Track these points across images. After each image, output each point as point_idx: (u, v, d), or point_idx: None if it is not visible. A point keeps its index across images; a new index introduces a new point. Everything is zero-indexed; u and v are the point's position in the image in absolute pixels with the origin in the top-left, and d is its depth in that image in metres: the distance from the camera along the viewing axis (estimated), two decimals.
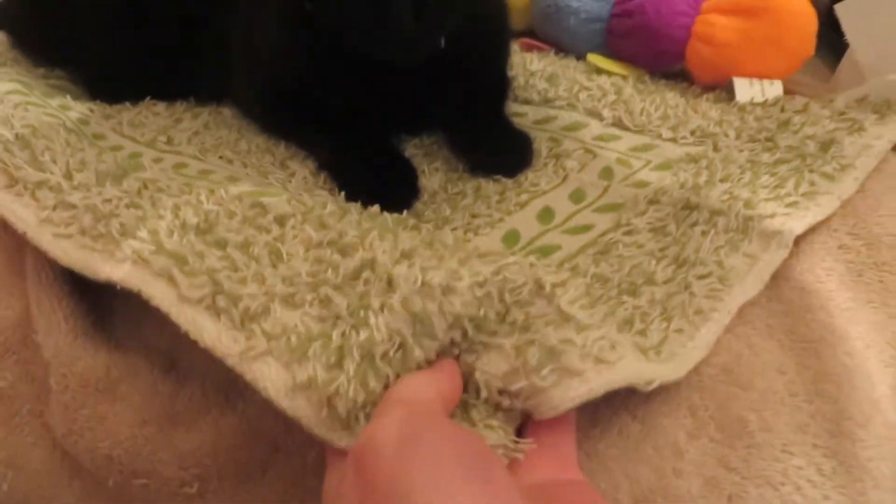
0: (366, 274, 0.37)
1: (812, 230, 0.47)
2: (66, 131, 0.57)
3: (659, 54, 0.67)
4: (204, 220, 0.42)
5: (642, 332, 0.41)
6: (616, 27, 0.70)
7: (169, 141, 0.61)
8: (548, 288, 0.37)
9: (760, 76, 0.62)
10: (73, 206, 0.44)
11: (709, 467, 0.36)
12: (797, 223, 0.46)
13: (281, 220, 0.42)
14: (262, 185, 0.52)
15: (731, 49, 0.63)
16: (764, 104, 0.60)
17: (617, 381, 0.34)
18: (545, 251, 0.50)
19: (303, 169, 0.59)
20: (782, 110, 0.59)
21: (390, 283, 0.36)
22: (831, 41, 0.66)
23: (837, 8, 0.59)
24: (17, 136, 0.52)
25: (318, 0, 0.52)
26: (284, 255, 0.39)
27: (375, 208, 0.50)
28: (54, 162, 0.48)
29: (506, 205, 0.54)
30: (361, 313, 0.35)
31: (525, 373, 0.33)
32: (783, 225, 0.46)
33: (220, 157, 0.59)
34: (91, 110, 0.68)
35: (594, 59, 0.70)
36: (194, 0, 0.65)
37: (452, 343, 0.35)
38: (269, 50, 0.60)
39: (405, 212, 0.53)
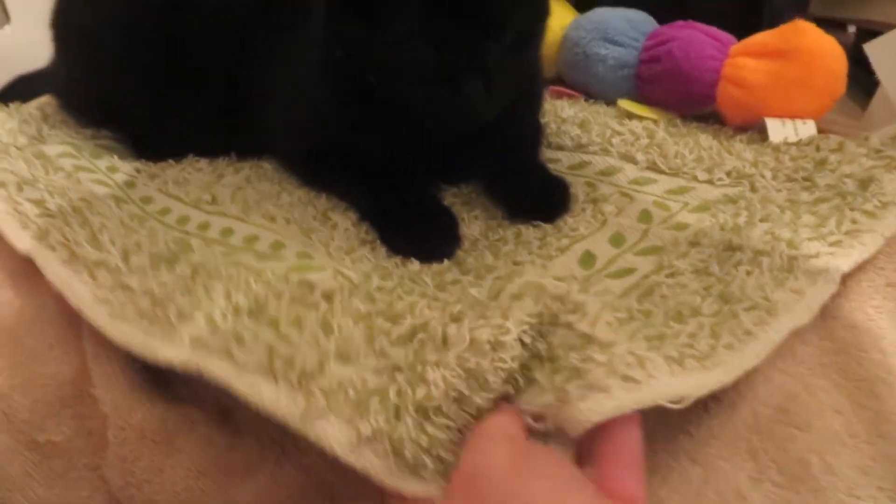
0: (420, 335, 0.38)
1: (858, 268, 0.47)
2: (117, 202, 0.59)
3: (689, 97, 0.68)
4: (254, 302, 0.43)
5: (690, 345, 0.41)
6: (645, 72, 0.72)
7: (213, 200, 0.63)
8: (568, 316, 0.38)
9: (792, 116, 0.63)
10: (131, 289, 0.45)
11: None
12: (843, 261, 0.46)
13: (328, 296, 0.43)
14: (306, 248, 0.53)
15: (761, 90, 0.64)
16: (798, 144, 0.61)
17: (647, 398, 0.35)
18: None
19: (344, 220, 0.60)
20: (818, 149, 0.59)
21: (444, 341, 0.37)
22: (861, 79, 0.67)
23: (867, 47, 0.60)
24: (74, 208, 0.54)
25: (384, 76, 0.53)
26: (335, 327, 0.40)
27: (416, 266, 0.52)
28: (112, 242, 0.50)
29: (547, 250, 0.55)
30: (419, 368, 0.36)
31: (552, 389, 0.35)
32: (828, 263, 0.46)
33: (263, 215, 0.60)
34: (137, 171, 0.70)
35: (625, 104, 0.71)
36: (236, 59, 0.67)
37: None
38: (312, 107, 0.62)
39: (446, 260, 0.54)
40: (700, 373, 0.38)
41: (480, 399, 0.35)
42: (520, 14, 0.53)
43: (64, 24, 0.73)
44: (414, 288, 0.50)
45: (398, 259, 0.55)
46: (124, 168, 0.70)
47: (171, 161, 0.72)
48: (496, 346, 0.36)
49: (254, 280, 0.45)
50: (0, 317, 0.49)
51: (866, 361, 0.42)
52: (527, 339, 0.37)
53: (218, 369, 0.38)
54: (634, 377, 0.35)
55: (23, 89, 0.88)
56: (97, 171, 0.68)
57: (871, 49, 0.60)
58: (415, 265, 0.54)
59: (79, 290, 0.47)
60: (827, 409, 0.40)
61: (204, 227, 0.59)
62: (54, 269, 0.48)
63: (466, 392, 0.35)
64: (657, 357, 0.38)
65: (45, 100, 0.83)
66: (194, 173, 0.69)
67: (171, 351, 0.40)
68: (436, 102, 0.52)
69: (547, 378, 0.36)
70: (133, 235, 0.52)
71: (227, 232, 0.57)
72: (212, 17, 0.67)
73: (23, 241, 0.51)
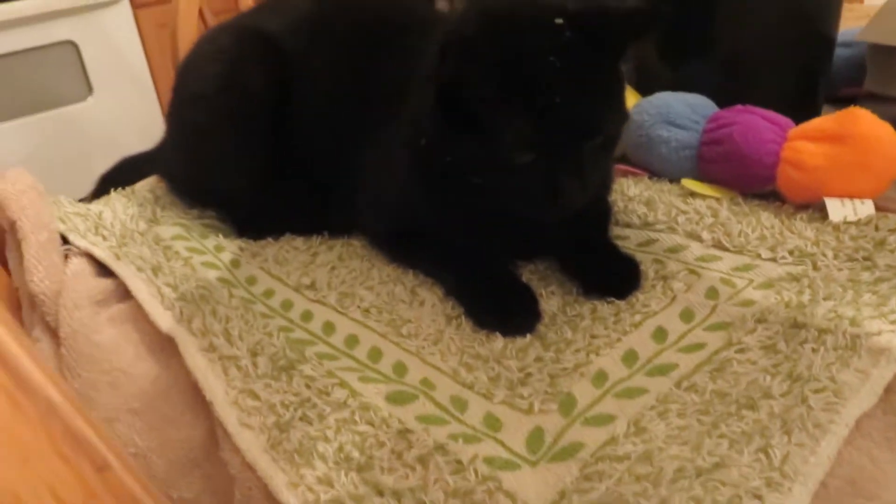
0: None
1: None
2: (229, 288, 0.67)
3: (750, 179, 0.73)
4: (361, 452, 0.49)
5: (764, 450, 0.45)
6: (706, 154, 0.76)
7: (312, 285, 0.69)
8: None
9: (851, 196, 0.67)
10: (257, 398, 0.53)
11: None
12: None
13: (423, 461, 0.48)
14: (399, 355, 0.59)
15: (820, 173, 0.68)
16: (858, 223, 0.65)
17: None
18: (663, 370, 0.54)
19: (431, 296, 0.66)
20: (876, 229, 0.63)
21: None
22: None
23: None
24: (201, 297, 0.62)
25: (487, 177, 0.59)
26: None
27: (500, 344, 0.57)
28: (241, 339, 0.58)
29: (622, 325, 0.59)
30: None
31: None
32: (890, 342, 0.50)
33: (359, 306, 0.65)
34: (241, 249, 0.77)
35: (689, 183, 0.76)
36: (333, 149, 0.74)
37: None
38: (404, 192, 0.68)
39: (528, 335, 0.59)
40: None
41: None
42: (610, 121, 0.59)
43: (178, 118, 0.82)
44: (500, 374, 0.55)
45: (483, 336, 0.60)
46: (230, 247, 0.78)
47: (269, 240, 0.79)
48: None
49: (359, 416, 0.51)
50: (141, 386, 0.56)
51: None
52: None
53: None
54: None
55: (127, 171, 0.98)
56: (207, 251, 0.76)
57: None
58: (499, 342, 0.59)
59: (213, 385, 0.54)
60: (892, 481, 0.43)
61: (307, 317, 0.65)
62: (193, 356, 0.56)
63: None
64: None
65: (153, 181, 0.92)
66: (292, 251, 0.77)
67: (290, 496, 0.46)
68: (538, 201, 0.58)
69: None
70: (255, 332, 0.59)
71: (329, 329, 0.64)
72: (314, 114, 0.75)
73: (165, 321, 0.58)
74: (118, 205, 0.80)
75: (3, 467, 0.17)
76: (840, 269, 0.60)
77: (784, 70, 0.87)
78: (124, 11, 2.52)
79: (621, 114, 0.61)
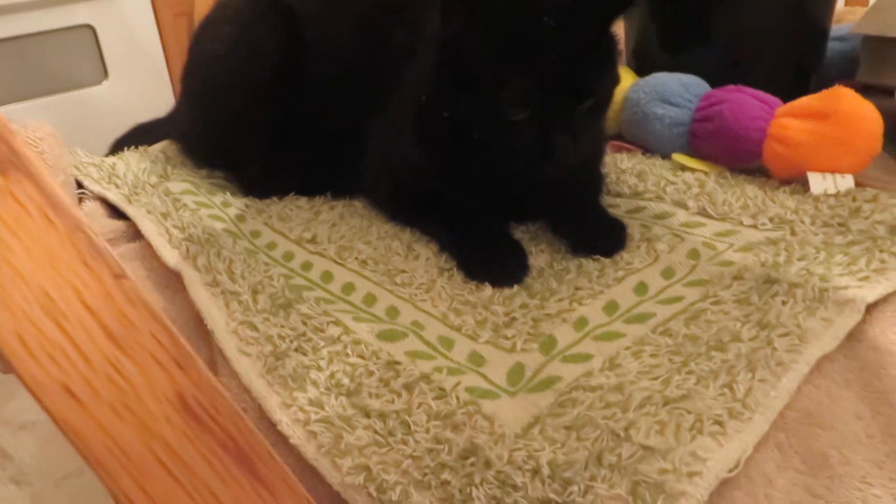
0: (471, 459, 0.45)
1: (884, 300, 0.53)
2: (233, 238, 0.70)
3: (738, 153, 0.75)
4: (351, 379, 0.52)
5: (728, 385, 0.47)
6: (698, 130, 0.79)
7: (313, 239, 0.72)
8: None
9: (833, 171, 0.70)
10: (256, 329, 0.56)
11: (796, 494, 0.42)
12: (869, 292, 0.52)
13: (409, 388, 0.51)
14: (393, 300, 0.62)
15: (804, 148, 0.70)
16: (837, 195, 0.67)
17: (712, 483, 0.41)
18: (641, 318, 0.57)
19: (426, 251, 0.69)
20: (854, 199, 0.66)
21: (487, 464, 0.44)
22: None
23: None
24: (207, 240, 0.65)
25: (486, 133, 0.62)
26: (412, 427, 0.47)
27: (489, 292, 0.61)
28: (243, 277, 0.61)
29: (605, 279, 0.62)
30: (468, 489, 0.43)
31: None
32: (856, 294, 0.52)
33: (357, 258, 0.69)
34: (247, 206, 0.81)
35: (679, 157, 0.79)
36: (340, 113, 0.78)
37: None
38: (407, 152, 0.71)
39: (516, 286, 0.62)
40: (741, 433, 0.44)
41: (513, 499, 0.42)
42: (601, 83, 0.62)
43: (192, 78, 0.86)
44: (487, 318, 0.58)
45: (473, 285, 0.63)
46: (236, 204, 0.81)
47: (275, 199, 0.83)
48: (528, 458, 0.44)
49: (351, 349, 0.55)
50: None
51: (885, 377, 0.47)
52: (561, 458, 0.44)
53: (326, 472, 0.46)
54: (697, 471, 0.41)
55: (140, 136, 1.01)
56: (214, 206, 0.79)
57: None
58: (487, 291, 0.62)
59: (215, 315, 0.57)
60: (848, 414, 0.46)
61: (307, 266, 0.68)
62: (197, 289, 0.59)
63: (506, 498, 0.42)
64: (706, 440, 0.43)
65: (165, 144, 0.95)
66: (295, 210, 0.80)
67: (283, 416, 0.49)
68: (531, 156, 0.61)
69: (630, 491, 0.41)
70: (256, 274, 0.62)
71: (328, 277, 0.67)
72: (323, 78, 0.79)
73: (172, 258, 0.61)
74: (131, 159, 0.84)
75: (36, 271, 0.20)
76: (816, 234, 0.62)
77: (778, 59, 0.89)
78: None
79: (613, 78, 0.64)
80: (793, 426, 0.45)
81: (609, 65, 0.63)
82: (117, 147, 1.02)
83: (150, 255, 0.64)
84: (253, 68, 0.78)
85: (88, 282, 0.20)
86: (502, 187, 0.69)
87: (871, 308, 0.52)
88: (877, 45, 0.89)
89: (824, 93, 0.72)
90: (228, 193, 0.83)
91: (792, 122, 0.72)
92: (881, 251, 0.57)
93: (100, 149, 1.07)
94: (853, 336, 0.51)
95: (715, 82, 0.84)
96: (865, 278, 0.55)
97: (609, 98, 0.65)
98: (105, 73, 2.53)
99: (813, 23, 0.90)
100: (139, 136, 1.02)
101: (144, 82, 2.72)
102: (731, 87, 0.79)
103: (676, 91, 0.82)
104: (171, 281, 0.62)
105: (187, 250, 0.63)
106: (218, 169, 0.87)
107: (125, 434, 0.23)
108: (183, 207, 0.75)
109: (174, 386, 0.25)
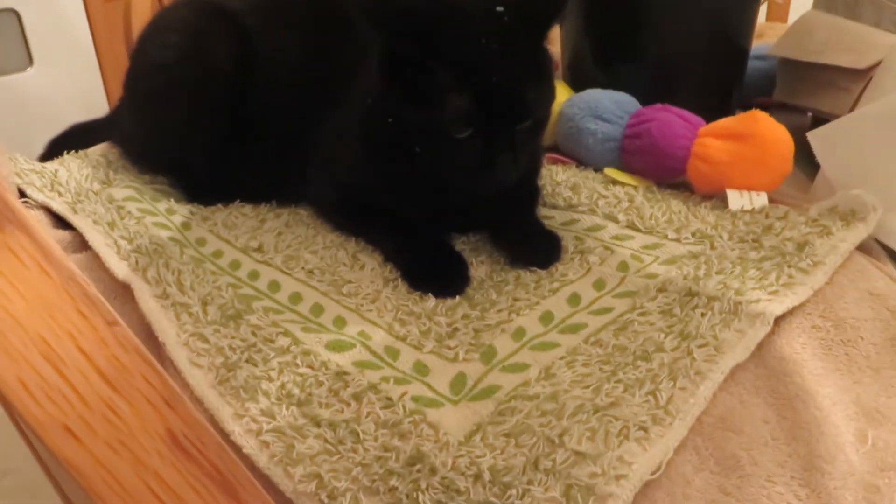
0: (417, 466, 0.47)
1: (790, 313, 0.59)
2: (180, 247, 0.71)
3: (664, 170, 0.81)
4: (301, 390, 0.54)
5: (653, 393, 0.52)
6: (628, 146, 0.84)
7: (259, 248, 0.74)
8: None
9: (749, 189, 0.75)
10: (207, 341, 0.58)
11: (711, 493, 0.47)
12: (777, 306, 0.58)
13: (357, 397, 0.53)
14: (340, 311, 0.64)
15: (724, 167, 0.76)
16: (752, 212, 0.73)
17: (637, 485, 0.45)
18: (574, 328, 0.61)
19: (371, 261, 0.71)
20: (766, 217, 0.71)
21: (433, 471, 0.47)
22: (812, 155, 0.79)
23: (809, 136, 0.73)
24: (154, 251, 0.66)
25: (429, 149, 0.65)
26: (361, 435, 0.50)
27: (432, 303, 0.64)
28: (192, 289, 0.62)
29: (541, 290, 0.66)
30: (415, 495, 0.46)
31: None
32: (766, 308, 0.58)
33: (304, 268, 0.70)
34: (191, 213, 0.82)
35: (610, 172, 0.84)
36: (286, 120, 0.79)
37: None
38: (352, 163, 0.74)
39: (457, 297, 0.66)
40: (663, 438, 0.48)
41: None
42: (540, 103, 0.66)
43: (136, 86, 0.86)
44: (430, 328, 0.62)
45: (417, 295, 0.66)
46: (181, 211, 0.82)
47: (220, 206, 0.84)
48: (470, 464, 0.47)
49: (301, 360, 0.57)
50: None
51: (790, 384, 0.53)
52: (501, 463, 0.47)
53: (278, 480, 0.48)
54: (624, 474, 0.45)
55: (78, 137, 1.00)
56: (158, 213, 0.80)
57: (814, 137, 0.73)
58: (431, 302, 0.65)
59: (166, 327, 0.58)
60: (757, 419, 0.51)
61: (254, 276, 0.70)
62: (147, 301, 0.60)
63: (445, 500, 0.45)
64: (632, 445, 0.47)
65: (105, 147, 0.95)
66: (241, 217, 0.81)
67: (235, 426, 0.51)
68: (473, 173, 0.65)
69: (563, 494, 0.44)
70: (205, 285, 0.64)
71: (275, 286, 0.68)
72: (269, 89, 0.80)
73: (121, 270, 0.62)
74: (73, 165, 0.83)
75: (34, 319, 0.21)
76: (732, 249, 0.68)
77: (703, 78, 0.95)
78: None
79: (550, 95, 0.68)
80: (708, 430, 0.50)
81: (547, 83, 0.67)
82: (53, 148, 1.00)
83: (97, 265, 0.64)
84: (202, 78, 0.79)
85: (83, 329, 0.22)
86: (444, 199, 0.72)
87: (778, 320, 0.57)
88: (792, 67, 0.96)
89: (742, 116, 0.78)
90: (172, 200, 0.84)
91: (713, 142, 0.77)
92: (789, 266, 0.63)
93: (25, 138, 1.04)
94: (762, 346, 0.56)
95: (646, 98, 0.89)
96: (775, 292, 0.60)
97: (547, 115, 0.69)
98: (30, 60, 2.44)
99: (735, 43, 0.96)
100: (76, 137, 1.01)
101: (72, 70, 2.64)
102: (659, 105, 0.84)
103: (608, 108, 0.87)
104: (120, 292, 0.62)
105: (136, 262, 0.64)
106: (161, 174, 0.88)
107: (121, 468, 0.25)
108: (128, 215, 0.76)
109: (164, 423, 0.27)
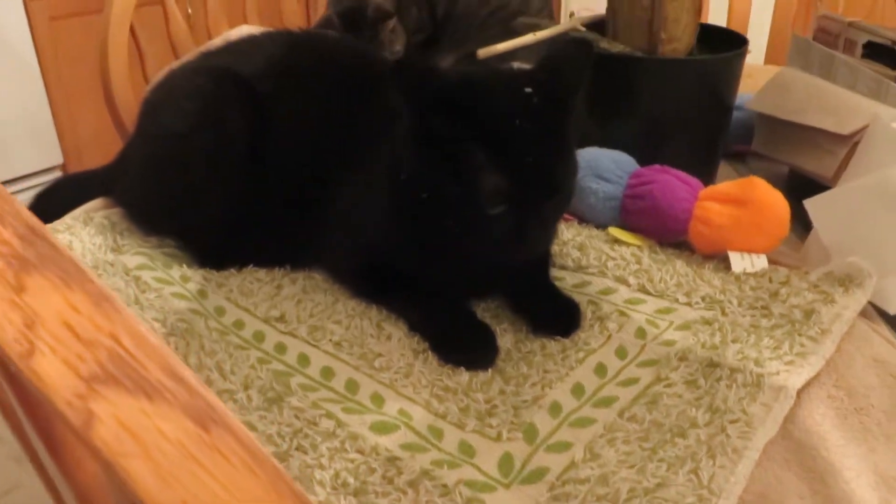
0: None
1: (806, 383, 0.63)
2: (204, 320, 0.71)
3: (667, 230, 0.85)
4: (355, 478, 0.55)
5: (694, 471, 0.55)
6: (629, 206, 0.88)
7: (282, 317, 0.75)
8: None
9: (749, 251, 0.80)
10: (255, 429, 0.59)
11: None
12: (797, 379, 0.62)
13: (413, 485, 0.55)
14: (375, 387, 0.66)
15: (724, 230, 0.80)
16: (755, 275, 0.77)
17: None
18: (607, 402, 0.64)
19: (397, 331, 0.73)
20: (770, 281, 0.76)
21: None
22: (796, 210, 0.84)
23: (806, 203, 0.78)
24: (186, 330, 0.66)
25: (462, 221, 0.67)
26: None
27: (466, 377, 0.66)
28: (233, 373, 0.63)
29: (568, 361, 0.69)
30: None
31: None
32: (786, 381, 0.62)
33: (331, 339, 0.72)
34: (206, 279, 0.82)
35: (614, 231, 0.87)
36: (305, 184, 0.80)
37: None
38: (375, 232, 0.75)
39: (490, 370, 0.68)
40: None
41: None
42: (568, 181, 0.70)
43: (148, 152, 0.85)
44: (469, 405, 0.64)
45: (449, 369, 0.68)
46: (195, 277, 0.82)
47: (232, 270, 0.84)
48: None
49: (350, 445, 0.58)
50: None
51: (817, 458, 0.57)
52: None
53: None
54: None
55: (69, 191, 0.99)
56: (174, 282, 0.80)
57: (810, 204, 0.78)
58: (465, 375, 0.67)
59: None
60: (793, 494, 0.55)
61: (280, 349, 0.71)
62: None
63: None
64: None
65: (101, 204, 0.93)
66: (256, 283, 0.81)
67: None
68: (505, 246, 0.67)
69: None
70: (243, 367, 0.64)
71: (304, 360, 0.69)
72: (283, 155, 0.81)
73: None
74: (83, 233, 0.82)
75: None
76: (744, 316, 0.72)
77: (692, 131, 1.00)
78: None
79: (575, 171, 0.71)
80: None
81: (573, 159, 0.70)
82: (41, 202, 0.98)
83: None
84: (218, 146, 0.79)
85: None
86: (465, 268, 0.74)
87: (797, 391, 0.62)
88: (771, 123, 1.02)
89: (741, 182, 0.82)
90: (185, 265, 0.83)
91: (714, 205, 0.82)
92: (800, 335, 0.68)
93: None
94: (787, 418, 0.60)
95: (639, 152, 0.93)
96: (791, 363, 0.64)
97: (573, 189, 0.72)
98: None
99: (721, 100, 1.01)
100: (68, 191, 1.00)
101: (14, 88, 2.57)
102: (658, 167, 0.88)
103: (609, 167, 0.90)
104: None
105: (175, 347, 0.64)
106: (171, 238, 0.87)
107: None
108: (147, 288, 0.75)
109: None
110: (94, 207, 0.93)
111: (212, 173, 0.80)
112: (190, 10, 1.58)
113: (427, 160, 0.67)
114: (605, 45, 0.97)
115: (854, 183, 0.75)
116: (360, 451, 0.58)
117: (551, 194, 0.67)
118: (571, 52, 0.71)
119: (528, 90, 0.67)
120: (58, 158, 2.62)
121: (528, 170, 0.65)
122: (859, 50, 0.98)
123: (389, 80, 0.65)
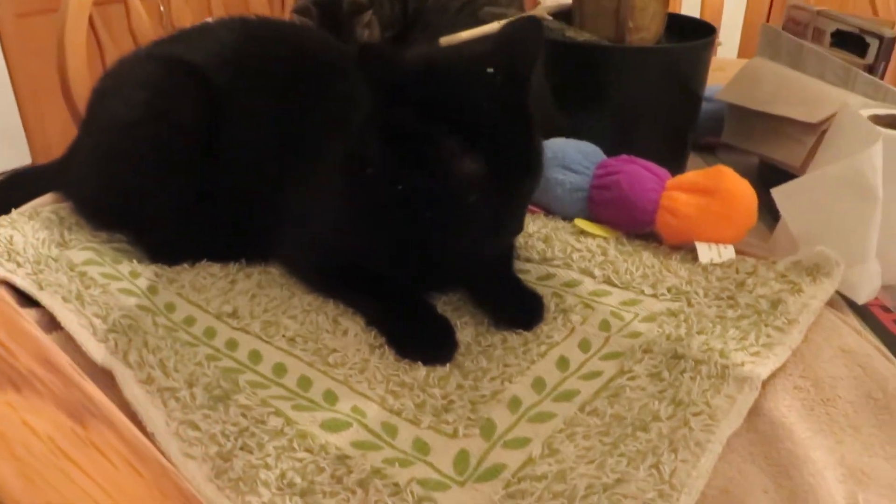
0: None
1: (773, 374, 0.61)
2: (152, 316, 0.68)
3: (634, 221, 0.83)
4: (302, 478, 0.52)
5: (656, 466, 0.53)
6: (596, 197, 0.86)
7: (234, 313, 0.72)
8: None
9: (716, 241, 0.78)
10: (198, 428, 0.56)
11: None
12: (762, 369, 0.60)
13: (363, 484, 0.52)
14: (328, 383, 0.63)
15: (691, 221, 0.78)
16: (722, 265, 0.76)
17: None
18: (568, 396, 0.62)
19: (354, 326, 0.70)
20: (737, 272, 0.74)
21: None
22: (765, 200, 0.82)
23: (773, 192, 0.76)
24: (129, 326, 0.63)
25: (433, 213, 0.65)
26: None
27: (423, 372, 0.63)
28: (176, 370, 0.60)
29: (530, 355, 0.67)
30: None
31: None
32: (752, 371, 0.60)
33: (284, 335, 0.69)
34: (157, 275, 0.78)
35: (580, 223, 0.85)
36: (260, 177, 0.77)
37: None
38: (333, 227, 0.72)
39: (448, 365, 0.65)
40: None
41: None
42: (539, 161, 0.68)
43: (96, 143, 0.82)
44: (425, 401, 0.61)
45: (406, 364, 0.66)
46: (145, 273, 0.79)
47: (185, 265, 0.81)
48: None
49: (298, 444, 0.55)
50: None
51: (782, 450, 0.55)
52: None
53: None
54: None
55: (17, 187, 0.95)
56: (122, 277, 0.76)
57: (777, 193, 0.76)
58: (422, 371, 0.64)
59: (153, 416, 0.56)
60: (757, 488, 0.53)
61: (232, 345, 0.68)
62: (132, 388, 0.57)
63: None
64: None
65: (51, 199, 0.90)
66: (209, 278, 0.78)
67: None
68: (481, 234, 0.65)
69: None
70: (188, 363, 0.62)
71: (256, 357, 0.67)
72: (237, 146, 0.78)
73: (99, 354, 0.59)
74: (26, 228, 0.79)
75: None
76: (710, 307, 0.70)
77: (661, 121, 0.98)
78: None
79: (542, 149, 0.69)
80: (711, 503, 0.52)
81: (539, 138, 0.68)
82: None
83: (72, 347, 0.61)
84: (168, 138, 0.76)
85: None
86: (427, 262, 0.72)
87: (763, 382, 0.60)
88: (741, 114, 1.00)
89: (708, 171, 0.80)
90: (135, 261, 0.80)
91: (681, 195, 0.80)
92: (766, 325, 0.66)
93: None
94: (751, 409, 0.58)
95: (607, 144, 0.91)
96: (756, 353, 0.63)
97: (542, 170, 0.69)
98: None
99: (689, 90, 0.99)
100: (16, 187, 0.96)
101: None
102: (625, 157, 0.86)
103: (575, 158, 0.88)
104: (99, 375, 0.59)
105: (115, 344, 0.61)
106: (121, 232, 0.84)
107: None
108: (92, 283, 0.72)
109: None
110: (43, 202, 0.90)
111: (161, 165, 0.77)
112: (162, 8, 1.54)
113: (397, 153, 0.64)
114: (572, 33, 0.95)
115: (821, 171, 0.73)
116: (309, 450, 0.56)
117: (526, 175, 0.66)
118: (523, 29, 0.69)
119: (490, 70, 0.65)
120: (26, 158, 2.57)
121: (501, 152, 0.63)
122: (828, 39, 0.97)
123: (354, 67, 0.62)
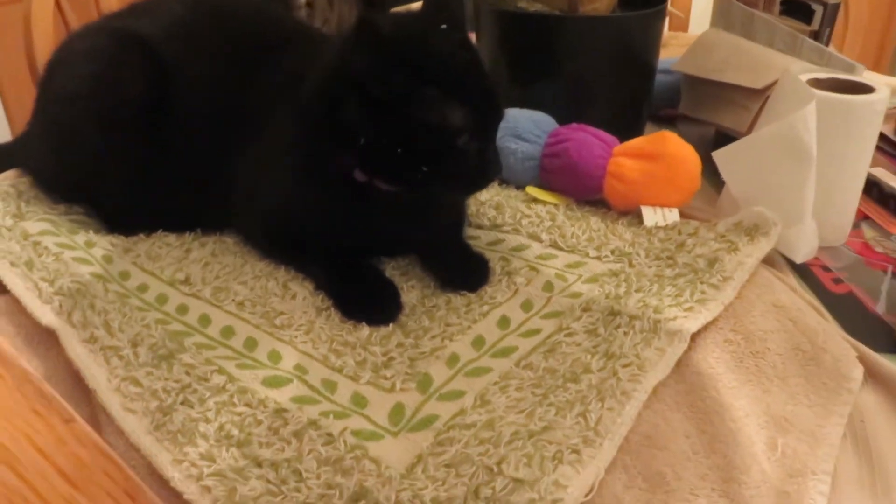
0: (361, 502, 0.49)
1: (704, 328, 0.63)
2: (104, 283, 0.70)
3: (582, 188, 0.84)
4: (240, 430, 0.54)
5: (583, 414, 0.55)
6: (547, 165, 0.87)
7: (187, 280, 0.73)
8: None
9: (662, 205, 0.80)
10: (139, 384, 0.57)
11: None
12: (692, 323, 0.62)
13: (298, 435, 0.54)
14: (274, 343, 0.65)
15: (637, 185, 0.80)
16: (666, 228, 0.77)
17: None
18: (505, 352, 0.64)
19: (303, 290, 0.72)
20: (679, 233, 0.76)
21: None
22: (717, 170, 0.84)
23: (714, 155, 0.78)
24: (78, 291, 0.64)
25: (427, 164, 0.66)
26: (303, 474, 0.51)
27: (366, 332, 0.65)
28: (121, 330, 0.61)
29: (472, 315, 0.68)
30: None
31: None
32: (682, 325, 0.62)
33: (234, 300, 0.70)
34: (112, 244, 0.80)
35: (531, 190, 0.87)
36: (210, 145, 0.78)
37: None
38: (280, 194, 0.74)
39: (391, 325, 0.67)
40: (594, 459, 0.51)
41: None
42: (502, 102, 0.70)
43: (47, 115, 0.82)
44: (366, 359, 0.63)
45: (350, 325, 0.67)
46: (101, 243, 0.80)
47: (141, 236, 0.82)
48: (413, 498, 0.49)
49: (238, 399, 0.57)
50: None
51: (707, 398, 0.57)
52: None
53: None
54: (560, 498, 0.47)
55: None
56: (77, 247, 0.77)
57: (718, 156, 0.77)
58: (365, 331, 0.66)
59: (95, 373, 0.57)
60: (679, 434, 0.54)
61: (182, 310, 0.69)
62: (75, 346, 0.59)
63: None
64: (566, 468, 0.49)
65: (13, 176, 0.91)
66: (165, 247, 0.80)
67: (175, 473, 0.51)
68: (470, 177, 0.69)
69: None
70: (134, 325, 0.63)
71: (205, 320, 0.68)
72: (188, 117, 0.79)
73: (45, 315, 0.60)
74: None
75: None
76: (650, 267, 0.72)
77: (615, 93, 0.99)
78: None
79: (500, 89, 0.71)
80: (635, 448, 0.53)
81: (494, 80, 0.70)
82: None
83: (17, 310, 0.62)
84: (117, 111, 0.77)
85: (40, 428, 0.22)
86: (376, 227, 0.73)
87: (694, 335, 0.61)
88: (695, 83, 1.02)
89: (652, 136, 0.82)
90: (91, 231, 0.81)
91: (626, 161, 0.81)
92: (701, 283, 0.67)
93: None
94: (680, 362, 0.60)
95: (562, 115, 0.92)
96: (689, 309, 0.64)
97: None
98: None
99: (643, 60, 1.00)
100: None
101: None
102: (575, 125, 0.87)
103: (527, 128, 0.89)
104: (44, 337, 0.61)
105: (60, 305, 0.62)
106: (77, 204, 0.85)
107: None
108: (45, 252, 0.73)
109: None
110: (4, 177, 0.91)
111: (110, 136, 0.78)
112: None
113: (387, 116, 0.65)
114: (524, 4, 0.96)
115: (757, 132, 0.75)
116: (248, 405, 0.57)
117: (497, 112, 0.69)
118: None
119: (444, 27, 0.67)
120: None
121: (478, 96, 0.66)
122: (777, 7, 0.98)
123: (355, 38, 0.63)
